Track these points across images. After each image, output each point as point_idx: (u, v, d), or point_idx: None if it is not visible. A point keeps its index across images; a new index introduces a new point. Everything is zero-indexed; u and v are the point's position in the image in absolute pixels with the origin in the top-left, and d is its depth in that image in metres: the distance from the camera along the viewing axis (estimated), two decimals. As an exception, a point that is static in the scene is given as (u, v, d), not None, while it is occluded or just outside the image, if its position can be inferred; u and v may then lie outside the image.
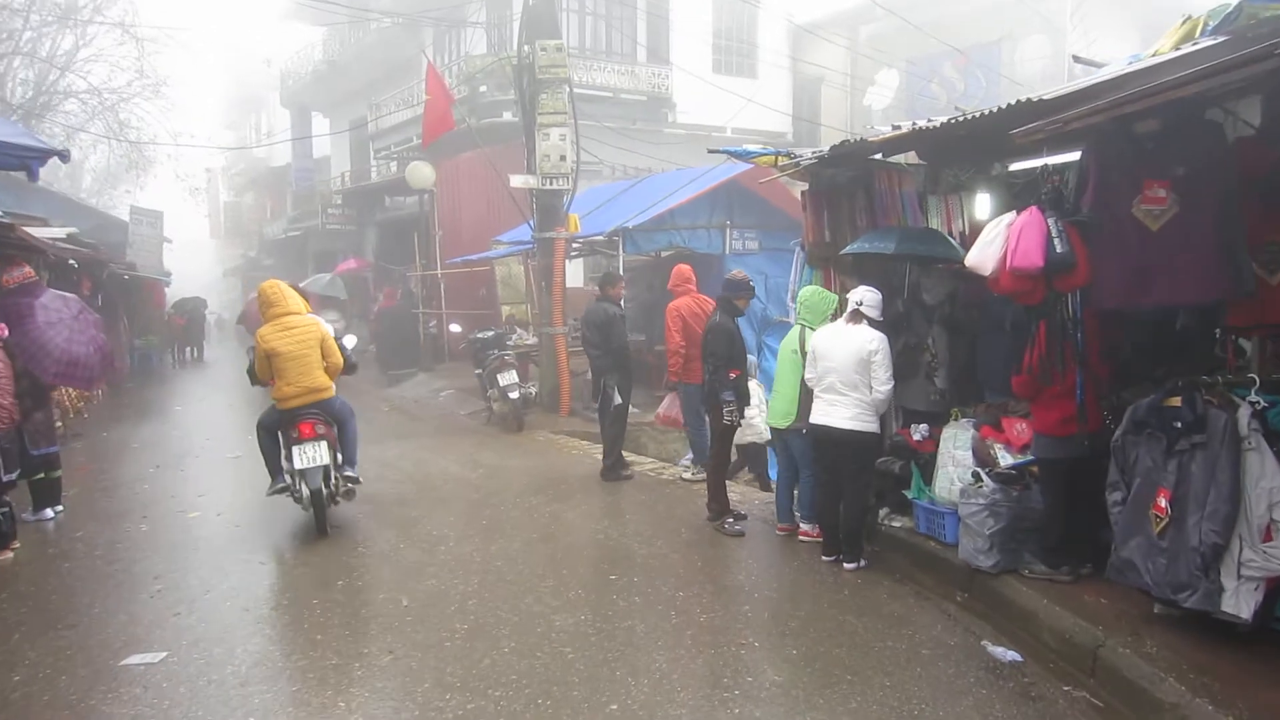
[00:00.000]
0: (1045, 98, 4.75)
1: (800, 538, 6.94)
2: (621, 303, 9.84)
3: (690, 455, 9.42)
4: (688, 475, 9.05)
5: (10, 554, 6.89)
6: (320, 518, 7.30)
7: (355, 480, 7.68)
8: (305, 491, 7.23)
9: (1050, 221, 4.50)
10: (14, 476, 7.16)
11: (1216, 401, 4.40)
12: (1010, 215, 4.77)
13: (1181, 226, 4.47)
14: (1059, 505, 5.42)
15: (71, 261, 15.20)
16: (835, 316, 6.64)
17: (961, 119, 5.27)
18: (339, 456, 7.58)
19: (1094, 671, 4.59)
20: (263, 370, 7.46)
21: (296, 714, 4.41)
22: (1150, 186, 4.48)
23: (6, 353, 6.92)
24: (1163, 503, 4.52)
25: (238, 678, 4.78)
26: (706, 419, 8.40)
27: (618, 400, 9.14)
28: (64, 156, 7.29)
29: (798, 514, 7.02)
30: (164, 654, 5.08)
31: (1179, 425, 4.46)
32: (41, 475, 7.76)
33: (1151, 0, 20.66)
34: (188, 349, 26.92)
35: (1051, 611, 5.07)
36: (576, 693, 4.53)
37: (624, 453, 9.50)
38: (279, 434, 7.48)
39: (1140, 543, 4.64)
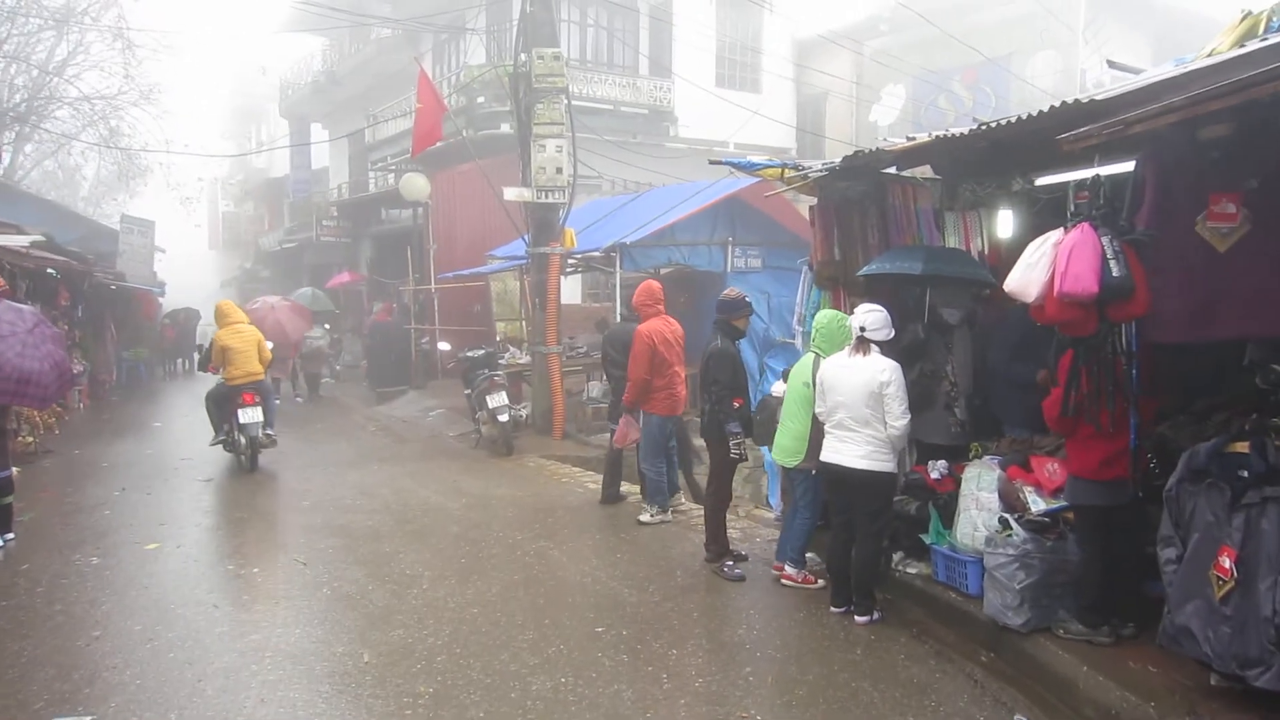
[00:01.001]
0: (1097, 98, 4.18)
1: (784, 582, 6.36)
2: None
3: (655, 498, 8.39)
4: (645, 519, 8.12)
5: None
6: (253, 457, 10.62)
7: (273, 439, 10.95)
8: (243, 440, 10.55)
9: (1105, 241, 3.91)
10: None
11: (1290, 448, 3.82)
12: (1057, 233, 4.18)
13: (1254, 247, 3.89)
14: (1098, 557, 4.84)
15: (50, 270, 14.70)
16: None
17: (995, 125, 4.70)
18: (268, 418, 10.76)
19: (1146, 757, 4.00)
20: (216, 359, 10.78)
21: (226, 800, 3.82)
22: (1218, 201, 3.90)
23: None
24: (1226, 563, 3.93)
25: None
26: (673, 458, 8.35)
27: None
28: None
29: (787, 555, 6.43)
30: (89, 718, 4.49)
31: (1246, 475, 3.88)
32: None
33: (1166, 15, 20.36)
34: (179, 360, 26.42)
35: (1093, 680, 4.48)
36: (551, 777, 3.93)
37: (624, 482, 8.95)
38: (225, 402, 10.68)
39: (1199, 608, 4.05)
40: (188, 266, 42.87)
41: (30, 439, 11.47)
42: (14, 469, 7.83)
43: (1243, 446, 3.91)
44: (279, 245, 32.73)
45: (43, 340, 7.22)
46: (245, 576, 6.77)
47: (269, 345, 11.55)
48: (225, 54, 47.41)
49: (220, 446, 10.96)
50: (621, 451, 8.84)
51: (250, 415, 10.43)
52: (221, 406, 10.84)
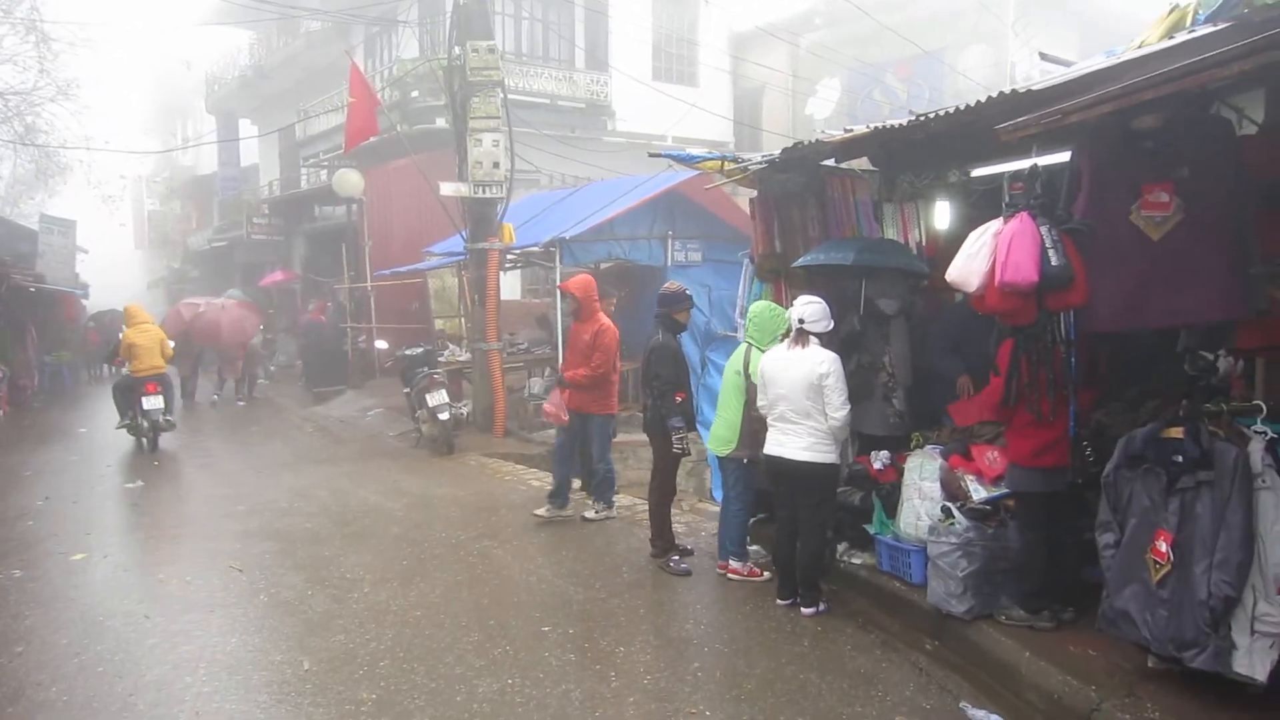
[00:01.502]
0: (1034, 89, 4.22)
1: (729, 576, 6.34)
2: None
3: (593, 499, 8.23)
4: (591, 515, 8.05)
5: None
6: (154, 440, 12.04)
7: (172, 423, 12.40)
8: (145, 423, 11.90)
9: (1044, 230, 3.94)
10: None
11: (1224, 433, 3.89)
12: (997, 223, 4.20)
13: (1187, 235, 3.95)
14: (1038, 544, 4.90)
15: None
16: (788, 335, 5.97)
17: (933, 116, 4.72)
18: (168, 405, 12.18)
19: (1088, 738, 4.06)
20: (123, 354, 12.30)
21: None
22: (1151, 190, 3.95)
23: None
24: (1163, 547, 3.99)
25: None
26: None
27: None
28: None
29: (728, 548, 6.42)
30: (13, 738, 4.30)
31: (1181, 460, 3.94)
32: None
33: (1092, 8, 20.84)
34: (104, 365, 25.58)
35: (1035, 665, 4.53)
36: (499, 781, 3.86)
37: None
38: (130, 392, 12.09)
39: (1137, 591, 4.11)
40: (112, 267, 41.61)
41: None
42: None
43: (1177, 432, 3.96)
44: (208, 244, 31.86)
45: None
46: (178, 585, 6.54)
47: (258, 336, 13.45)
48: (147, 48, 45.91)
49: (127, 431, 12.37)
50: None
51: (153, 402, 11.90)
52: (126, 395, 12.27)
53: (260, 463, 11.36)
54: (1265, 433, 3.82)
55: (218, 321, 17.60)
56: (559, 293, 7.81)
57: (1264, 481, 3.74)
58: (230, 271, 29.48)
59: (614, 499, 8.16)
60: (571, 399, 7.76)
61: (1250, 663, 3.75)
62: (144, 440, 12.06)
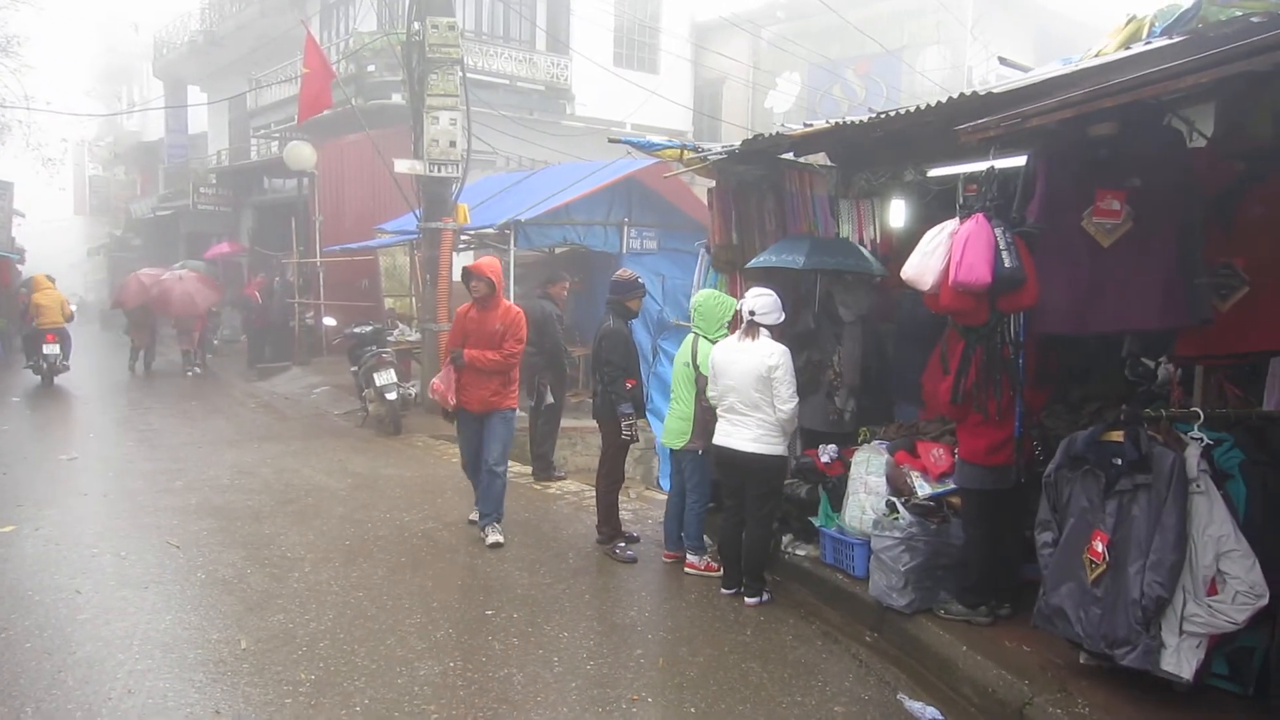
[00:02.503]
0: (995, 91, 4.27)
1: (686, 569, 6.34)
2: (562, 302, 9.55)
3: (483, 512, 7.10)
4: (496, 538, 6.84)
5: None
6: (51, 378, 15.51)
7: (67, 366, 15.95)
8: (45, 365, 15.33)
9: (998, 232, 3.99)
10: None
11: (1162, 438, 3.98)
12: (953, 223, 4.25)
13: (1136, 243, 4.04)
14: (982, 540, 4.99)
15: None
16: (736, 325, 5.98)
17: (894, 114, 4.75)
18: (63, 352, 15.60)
19: (1020, 732, 4.14)
20: (31, 312, 15.60)
21: (89, 798, 3.59)
22: (1103, 198, 4.03)
23: None
24: (1099, 547, 4.09)
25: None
26: None
27: (550, 400, 8.98)
28: None
29: (686, 543, 6.44)
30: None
31: (1120, 463, 4.03)
32: None
33: (1048, 15, 21.18)
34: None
35: (971, 660, 4.62)
36: (438, 765, 3.83)
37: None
38: (36, 340, 15.38)
39: (1072, 589, 4.21)
40: (51, 232, 40.54)
41: None
42: None
43: (1118, 435, 4.05)
44: (152, 212, 31.08)
45: None
46: (111, 560, 6.38)
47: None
48: (93, 7, 44.50)
49: (32, 371, 15.58)
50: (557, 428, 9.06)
51: (50, 349, 15.40)
52: (33, 343, 15.64)
53: (202, 438, 11.14)
54: (1201, 439, 3.92)
55: (173, 292, 17.62)
56: (465, 274, 6.84)
57: (1198, 486, 3.84)
58: (175, 241, 28.84)
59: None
60: (471, 395, 6.82)
61: (1178, 661, 3.86)
62: (42, 378, 15.49)
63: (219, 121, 29.21)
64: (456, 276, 13.31)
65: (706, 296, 6.35)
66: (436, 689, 4.51)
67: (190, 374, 17.71)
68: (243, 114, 26.68)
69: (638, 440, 6.91)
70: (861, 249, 6.78)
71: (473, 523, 7.21)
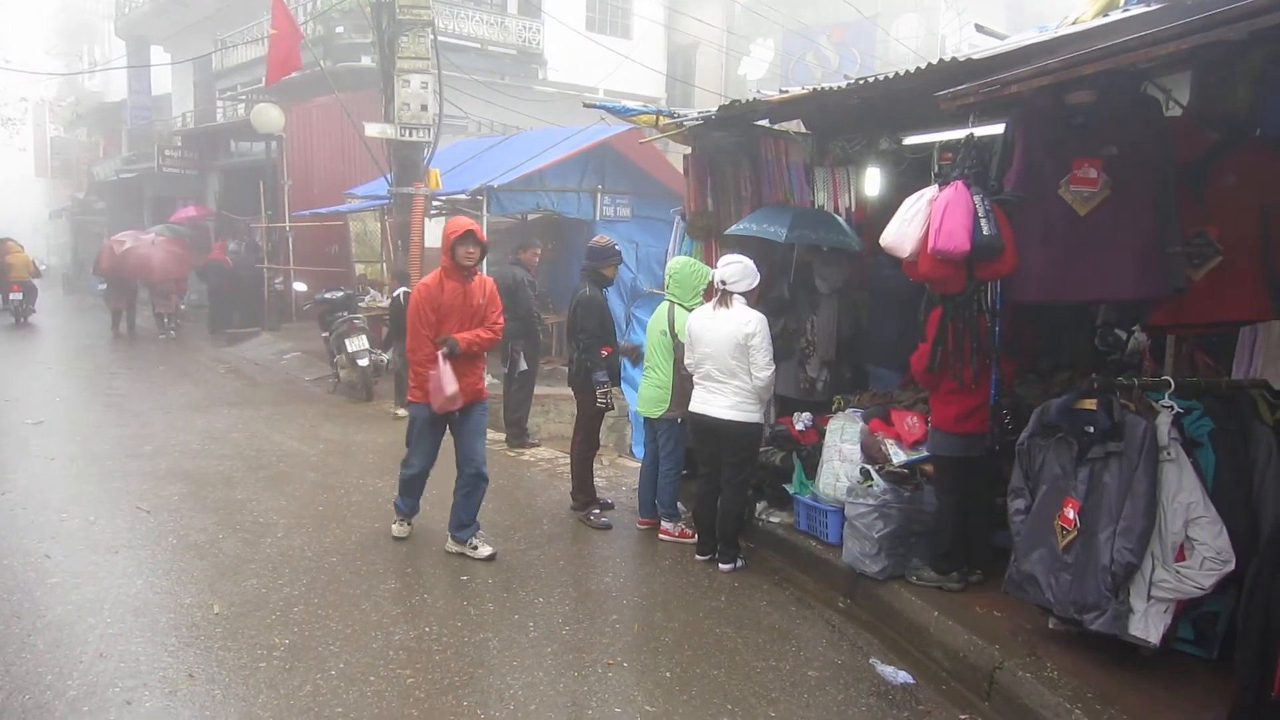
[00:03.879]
0: (975, 58, 4.26)
1: (661, 536, 6.36)
2: (534, 269, 9.62)
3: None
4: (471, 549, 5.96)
5: None
6: (21, 320, 19.03)
7: (34, 309, 19.50)
8: (11, 310, 18.70)
9: (977, 199, 3.99)
10: None
11: (1134, 407, 4.02)
12: (931, 190, 4.24)
13: (1112, 212, 4.05)
14: (953, 507, 5.04)
15: None
16: (710, 293, 5.95)
17: (871, 80, 4.73)
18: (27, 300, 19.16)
19: (989, 695, 4.21)
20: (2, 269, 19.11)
21: (60, 763, 3.57)
22: (1080, 166, 4.03)
23: None
24: (1070, 514, 4.14)
25: (-6, 708, 3.89)
26: None
27: (523, 366, 9.00)
28: None
29: (660, 510, 6.45)
30: (-99, 679, 4.11)
31: (1092, 430, 4.07)
32: None
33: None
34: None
35: (943, 625, 4.68)
36: (415, 729, 3.84)
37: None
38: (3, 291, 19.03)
39: (1043, 556, 4.26)
40: (12, 194, 39.68)
41: None
42: None
43: (1090, 404, 4.08)
44: (116, 175, 30.43)
45: None
46: (80, 525, 6.31)
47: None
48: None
49: None
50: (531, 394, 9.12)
51: (15, 296, 18.99)
52: (3, 293, 19.04)
53: (170, 403, 11.00)
54: (1172, 407, 3.96)
55: (149, 257, 17.69)
56: (460, 239, 5.66)
57: (1169, 454, 3.88)
58: (139, 205, 28.31)
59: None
60: (460, 386, 5.75)
61: (1145, 626, 3.92)
62: (15, 319, 18.90)
63: (184, 83, 28.62)
64: (428, 243, 13.23)
65: (682, 264, 6.33)
66: (412, 653, 4.51)
67: (164, 337, 17.65)
68: (208, 75, 26.15)
69: (612, 408, 6.91)
70: (841, 222, 6.77)
71: (457, 552, 5.94)
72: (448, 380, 5.59)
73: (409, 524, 6.31)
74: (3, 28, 25.19)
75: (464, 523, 5.97)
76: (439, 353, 5.66)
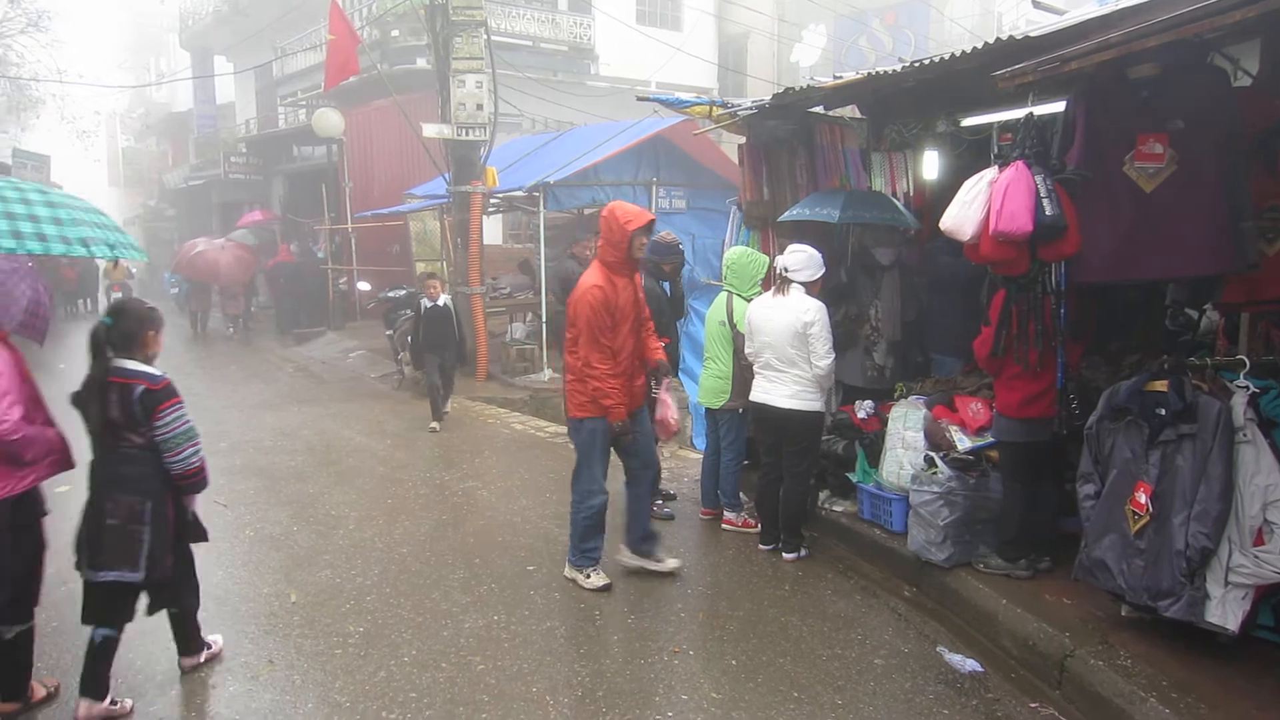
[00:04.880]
0: (1033, 35, 4.19)
1: (724, 526, 6.37)
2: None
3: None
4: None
5: None
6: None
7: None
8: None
9: (1039, 179, 3.93)
10: None
11: (1207, 387, 3.93)
12: (991, 171, 4.18)
13: (1180, 187, 3.95)
14: (1020, 493, 4.96)
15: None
16: (769, 281, 5.94)
17: (927, 63, 4.68)
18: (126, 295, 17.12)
19: (1060, 683, 4.15)
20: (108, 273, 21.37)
21: (149, 748, 3.71)
22: (1145, 141, 3.95)
23: None
24: (1142, 499, 4.05)
25: (71, 691, 4.04)
26: None
27: None
28: None
29: (722, 500, 6.46)
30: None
31: (1164, 413, 3.99)
32: None
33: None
34: (80, 301, 25.28)
35: (1011, 613, 4.61)
36: (485, 715, 3.92)
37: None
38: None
39: (1114, 542, 4.18)
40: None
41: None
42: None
43: (1161, 385, 4.00)
44: (185, 183, 31.35)
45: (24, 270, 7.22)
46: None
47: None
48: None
49: None
50: None
51: (116, 295, 17.05)
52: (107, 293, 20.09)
53: (243, 401, 11.32)
54: (1248, 387, 3.86)
55: (217, 261, 18.47)
56: (648, 229, 5.18)
57: (1245, 435, 3.78)
58: (208, 211, 29.09)
59: None
60: (635, 393, 5.35)
61: (1223, 612, 3.83)
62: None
63: (246, 90, 29.30)
64: (487, 240, 13.38)
65: (739, 254, 6.32)
66: (481, 641, 4.60)
67: (231, 335, 18.73)
68: (269, 82, 26.76)
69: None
70: (895, 201, 6.71)
71: (637, 567, 5.53)
72: (671, 410, 5.43)
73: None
74: (75, 45, 26.06)
75: (650, 533, 5.61)
76: (663, 386, 5.44)
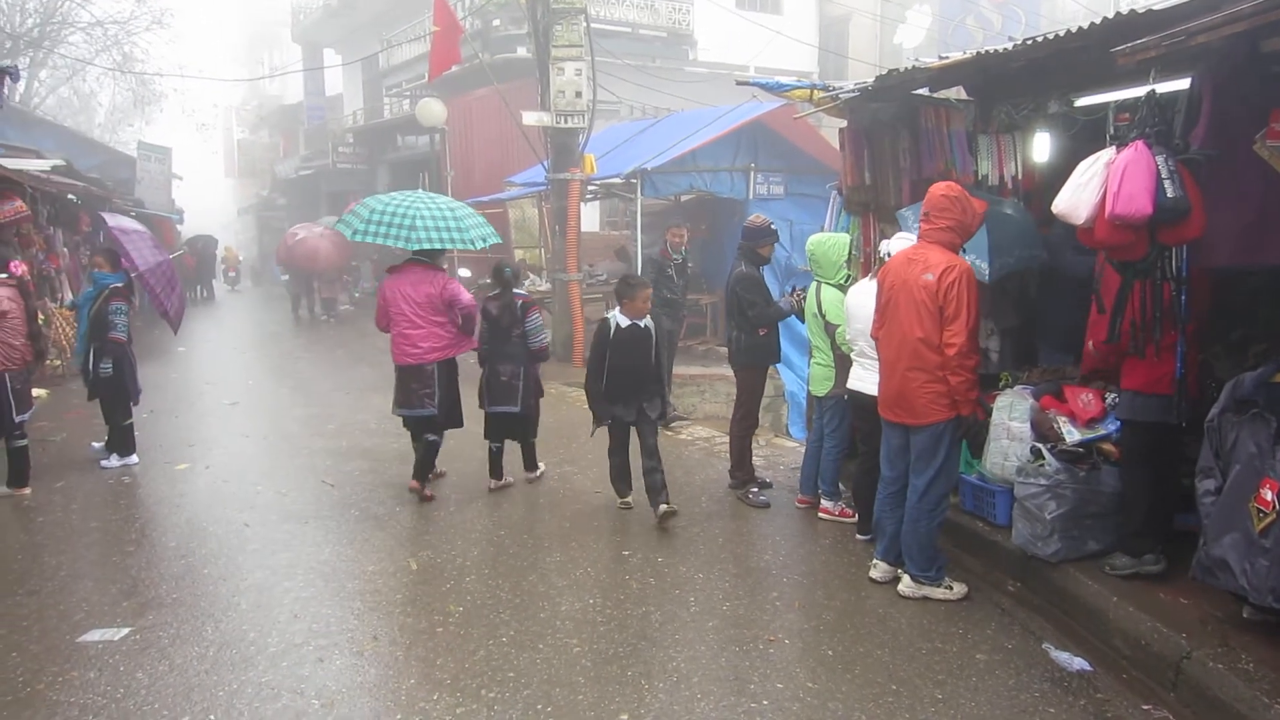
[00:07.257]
0: (1155, 9, 3.99)
1: (820, 515, 6.29)
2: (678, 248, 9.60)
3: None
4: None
5: (28, 491, 6.80)
6: (232, 285, 29.46)
7: (240, 281, 29.60)
8: (228, 281, 28.81)
9: (1160, 160, 3.75)
10: (26, 416, 6.84)
11: (1340, 379, 3.71)
12: (1108, 152, 4.01)
13: (1317, 168, 3.72)
14: (1145, 480, 4.67)
15: (71, 196, 14.67)
16: (867, 267, 5.78)
17: (1038, 41, 4.50)
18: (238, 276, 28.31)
19: (1176, 686, 3.98)
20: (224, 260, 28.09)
21: (263, 711, 3.86)
22: (1278, 118, 3.73)
23: (20, 292, 6.69)
24: (1268, 495, 3.84)
25: (204, 662, 4.27)
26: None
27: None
28: (12, 75, 6.86)
29: (821, 488, 6.38)
30: (126, 630, 4.58)
31: (1293, 406, 3.78)
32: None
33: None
34: (198, 288, 26.41)
35: (1123, 611, 4.43)
36: (582, 696, 3.96)
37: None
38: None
39: (1237, 540, 3.97)
40: (205, 194, 42.78)
41: (58, 362, 11.51)
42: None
43: (1290, 376, 3.80)
44: (295, 173, 32.42)
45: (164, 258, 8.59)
46: (274, 497, 6.82)
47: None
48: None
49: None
50: None
51: (231, 275, 26.33)
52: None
53: (349, 385, 11.66)
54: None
55: (316, 248, 19.09)
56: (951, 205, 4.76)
57: (1383, 430, 3.57)
58: (317, 200, 30.01)
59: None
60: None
61: (1355, 616, 3.63)
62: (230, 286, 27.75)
63: (353, 82, 30.11)
64: (584, 227, 13.47)
65: (817, 242, 6.25)
66: (578, 624, 4.65)
67: (325, 319, 19.38)
68: (375, 74, 27.44)
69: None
70: (1028, 216, 6.30)
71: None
72: None
73: None
74: (194, 41, 27.41)
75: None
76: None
